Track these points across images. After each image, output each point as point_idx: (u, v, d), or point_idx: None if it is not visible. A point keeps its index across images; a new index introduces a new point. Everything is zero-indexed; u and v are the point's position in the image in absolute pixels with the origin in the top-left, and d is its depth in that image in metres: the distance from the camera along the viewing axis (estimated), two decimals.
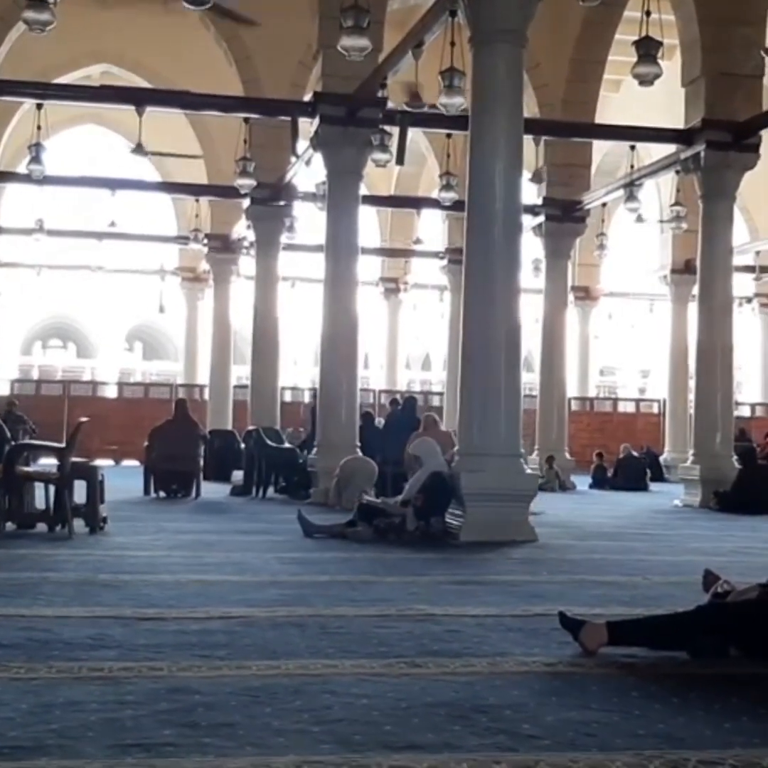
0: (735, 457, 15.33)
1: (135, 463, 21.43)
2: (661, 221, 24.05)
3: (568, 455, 20.22)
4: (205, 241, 24.27)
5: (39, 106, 16.28)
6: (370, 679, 4.01)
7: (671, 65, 15.64)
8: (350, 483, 12.19)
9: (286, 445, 16.72)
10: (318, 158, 15.12)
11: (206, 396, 25.72)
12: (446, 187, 18.61)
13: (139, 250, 35.18)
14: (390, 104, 14.88)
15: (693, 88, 15.57)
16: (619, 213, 23.94)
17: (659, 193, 25.25)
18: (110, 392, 30.31)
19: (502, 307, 9.98)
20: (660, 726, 3.45)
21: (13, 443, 10.79)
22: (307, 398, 26.58)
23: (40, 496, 9.64)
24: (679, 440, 22.93)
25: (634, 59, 12.24)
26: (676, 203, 19.75)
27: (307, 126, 15.09)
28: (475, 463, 9.77)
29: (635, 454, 21.74)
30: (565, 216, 19.79)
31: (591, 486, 20.47)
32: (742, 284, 25.90)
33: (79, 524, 9.26)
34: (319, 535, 9.48)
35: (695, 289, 17.06)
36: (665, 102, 17.65)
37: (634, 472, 20.54)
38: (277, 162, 17.84)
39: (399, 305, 31.96)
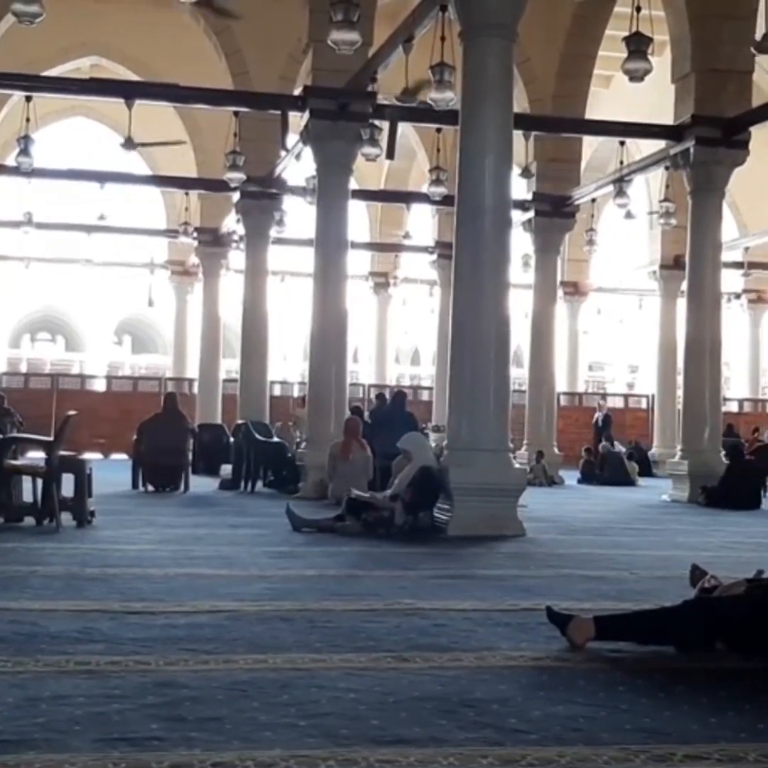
0: (723, 453, 15.38)
1: (123, 456, 21.39)
2: (651, 212, 24.06)
3: (556, 450, 20.27)
4: (195, 234, 24.20)
5: (28, 99, 16.21)
6: (358, 673, 4.01)
7: (661, 61, 15.66)
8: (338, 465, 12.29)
9: (275, 439, 16.72)
10: (308, 152, 15.11)
11: (195, 390, 25.68)
12: (436, 181, 18.60)
13: (128, 243, 35.14)
14: (380, 98, 14.86)
15: (683, 84, 15.60)
16: (609, 209, 23.95)
17: (649, 188, 25.30)
18: (99, 386, 30.23)
19: (492, 302, 9.99)
20: (646, 720, 3.46)
21: (1, 436, 10.78)
22: (296, 393, 26.66)
23: (28, 490, 9.62)
24: (667, 435, 23.00)
25: (625, 55, 12.25)
26: (666, 199, 19.78)
27: (297, 120, 15.08)
28: (463, 457, 9.79)
29: (620, 449, 21.78)
30: (555, 211, 19.82)
31: (579, 481, 20.51)
32: (731, 280, 25.95)
33: (66, 518, 9.25)
34: (308, 529, 9.48)
35: (684, 285, 17.09)
36: (655, 98, 17.65)
37: (619, 467, 20.58)
38: (267, 156, 17.82)
39: (388, 300, 31.94)
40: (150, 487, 14.46)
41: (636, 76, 12.28)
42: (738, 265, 26.67)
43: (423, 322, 38.30)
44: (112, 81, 19.66)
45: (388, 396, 18.32)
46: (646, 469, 22.27)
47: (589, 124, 19.61)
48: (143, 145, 20.04)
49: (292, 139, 15.72)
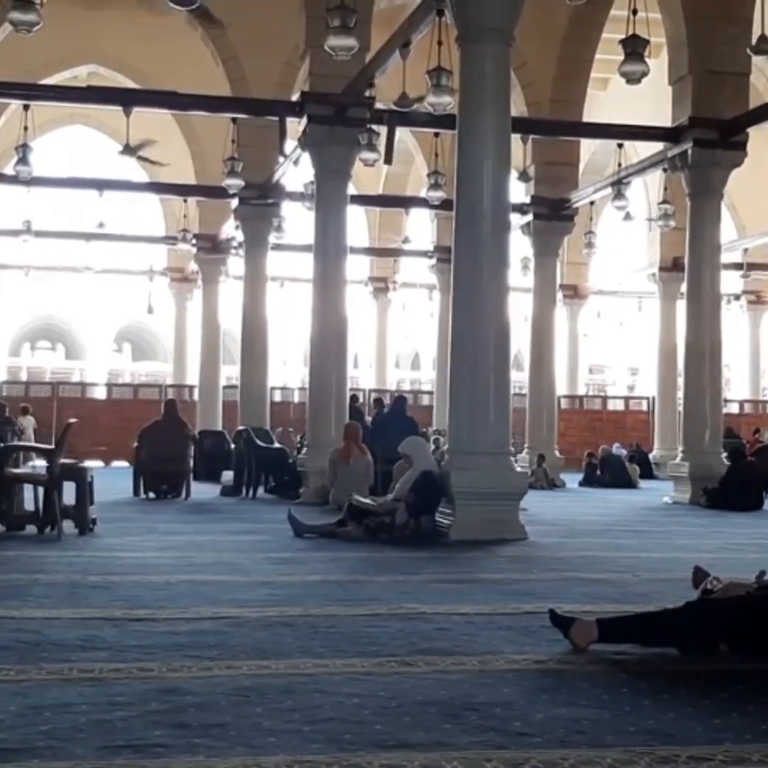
0: (724, 454, 15.37)
1: (124, 464, 21.38)
2: (649, 219, 24.10)
3: (557, 453, 20.26)
4: (194, 241, 24.22)
5: (26, 107, 16.24)
6: (361, 678, 4.01)
7: (658, 63, 15.65)
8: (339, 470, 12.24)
9: (276, 444, 16.72)
10: (306, 158, 15.12)
11: (196, 396, 25.69)
12: (434, 185, 18.63)
13: (127, 250, 35.13)
14: (378, 103, 14.88)
15: (680, 86, 15.62)
16: (607, 211, 23.98)
17: (647, 191, 25.32)
18: (99, 393, 30.26)
19: (491, 306, 9.99)
20: (650, 722, 3.46)
21: (1, 445, 10.78)
22: (296, 398, 26.67)
23: (30, 498, 9.62)
24: (668, 437, 23.00)
25: (621, 57, 12.26)
26: (664, 201, 19.79)
27: (295, 126, 15.10)
28: (464, 461, 9.78)
29: (621, 451, 21.76)
30: (553, 214, 19.84)
31: (580, 484, 20.50)
32: (730, 281, 25.97)
33: (68, 526, 9.24)
34: (310, 534, 9.48)
35: (683, 287, 17.10)
36: (653, 100, 17.68)
37: (620, 469, 20.56)
38: (265, 162, 17.83)
39: (388, 304, 31.99)
40: (151, 495, 14.46)
41: (633, 79, 12.29)
42: (737, 266, 26.68)
43: (423, 327, 38.31)
44: (110, 89, 19.69)
45: (388, 401, 18.33)
46: (647, 471, 22.26)
47: (586, 126, 19.63)
48: (141, 159, 20.11)
49: (290, 145, 15.75)
